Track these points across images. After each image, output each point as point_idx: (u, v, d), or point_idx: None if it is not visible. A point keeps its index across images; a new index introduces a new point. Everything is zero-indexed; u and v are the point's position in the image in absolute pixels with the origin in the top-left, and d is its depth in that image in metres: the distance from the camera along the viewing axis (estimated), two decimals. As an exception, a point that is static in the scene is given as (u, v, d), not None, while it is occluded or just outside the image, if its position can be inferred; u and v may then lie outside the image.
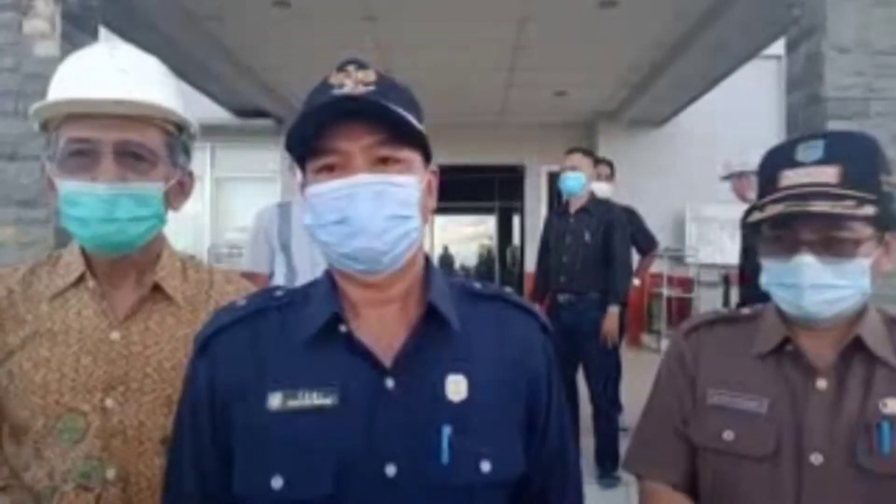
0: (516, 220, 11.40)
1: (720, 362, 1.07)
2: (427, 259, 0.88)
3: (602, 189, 4.08)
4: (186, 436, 0.82)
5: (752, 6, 4.30)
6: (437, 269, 0.88)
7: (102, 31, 3.51)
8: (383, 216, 0.76)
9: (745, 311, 1.12)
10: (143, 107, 0.97)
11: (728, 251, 4.11)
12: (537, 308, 0.93)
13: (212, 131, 7.58)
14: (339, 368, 0.78)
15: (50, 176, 0.98)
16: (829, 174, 0.94)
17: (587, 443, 3.54)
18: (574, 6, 4.72)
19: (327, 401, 0.76)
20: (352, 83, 0.77)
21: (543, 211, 8.22)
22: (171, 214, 1.07)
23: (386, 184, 0.76)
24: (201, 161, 8.33)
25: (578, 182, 3.72)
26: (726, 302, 6.56)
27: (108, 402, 0.98)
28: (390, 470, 0.75)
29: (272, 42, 5.53)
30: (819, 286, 0.94)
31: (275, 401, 0.76)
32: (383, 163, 0.77)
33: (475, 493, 0.78)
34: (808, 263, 0.94)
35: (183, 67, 5.42)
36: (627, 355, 4.33)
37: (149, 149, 0.98)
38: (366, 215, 0.75)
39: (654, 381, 1.16)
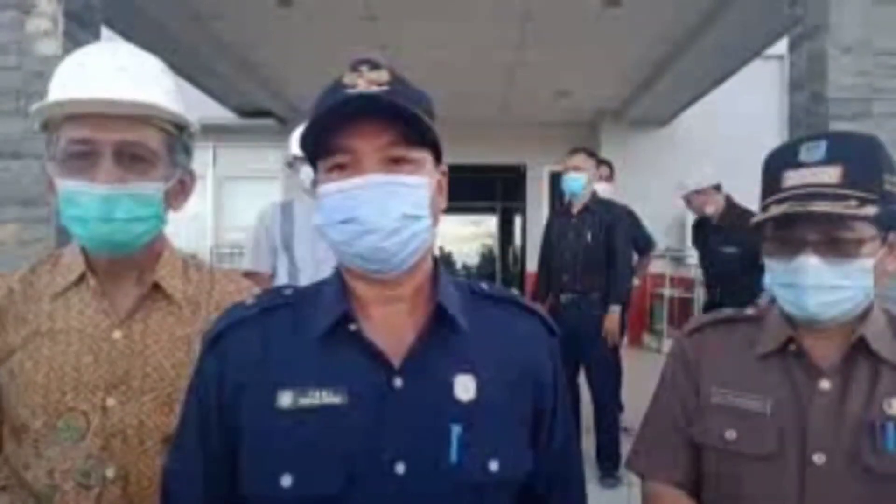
0: (518, 220, 11.39)
1: (723, 362, 1.07)
2: (435, 259, 0.88)
3: (601, 189, 4.08)
4: (193, 434, 0.82)
5: (755, 5, 4.30)
6: (445, 270, 0.88)
7: (104, 30, 3.51)
8: (394, 216, 0.76)
9: (749, 311, 1.12)
10: (143, 107, 0.97)
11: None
12: (543, 310, 0.93)
13: (214, 131, 7.60)
14: (348, 367, 0.78)
15: (50, 176, 0.98)
16: (831, 174, 0.94)
17: (588, 443, 3.54)
18: (576, 5, 4.72)
19: (336, 399, 0.76)
20: (365, 83, 0.77)
21: (545, 211, 8.22)
22: (172, 214, 1.07)
23: (397, 184, 0.77)
24: (203, 161, 8.34)
25: (580, 182, 3.72)
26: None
27: (109, 402, 0.98)
28: (399, 468, 0.75)
29: (274, 41, 5.53)
30: (822, 287, 0.94)
31: (284, 399, 0.77)
32: (395, 163, 0.77)
33: (484, 491, 0.78)
34: (810, 264, 0.94)
35: (185, 66, 5.43)
36: (629, 355, 4.33)
37: (148, 149, 0.98)
38: (377, 215, 0.75)
39: (658, 382, 1.16)
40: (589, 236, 3.71)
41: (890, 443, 0.92)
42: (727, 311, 1.14)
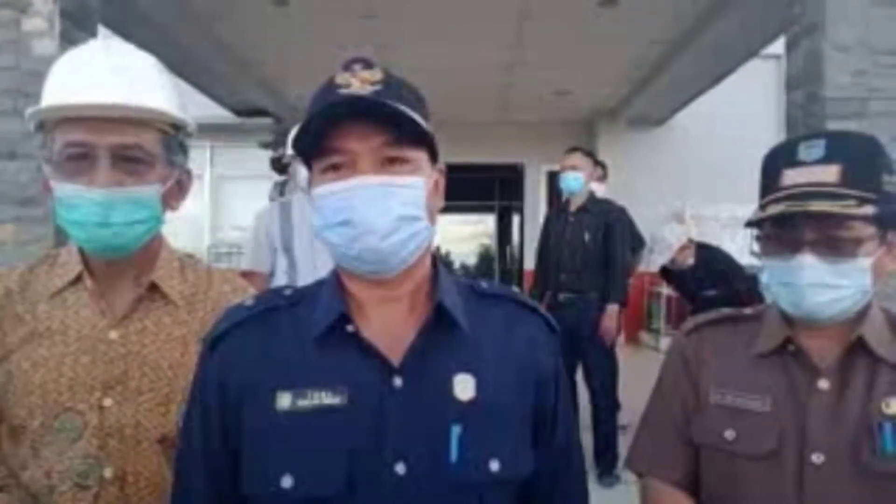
0: (516, 219, 11.40)
1: (722, 362, 1.07)
2: (435, 258, 0.88)
3: (599, 189, 4.10)
4: (196, 434, 0.82)
5: (752, 5, 4.30)
6: (445, 269, 0.88)
7: (101, 29, 3.50)
8: (390, 217, 0.76)
9: (748, 310, 1.11)
10: (139, 111, 0.96)
11: (728, 251, 4.26)
12: (544, 308, 0.93)
13: (211, 130, 7.58)
14: (347, 368, 0.78)
15: (46, 177, 0.98)
16: (829, 173, 0.94)
17: (586, 441, 3.54)
18: (574, 5, 4.72)
19: (336, 400, 0.76)
20: (358, 83, 0.77)
21: (543, 210, 8.22)
22: (169, 214, 1.06)
23: (392, 185, 0.76)
24: (200, 160, 8.33)
25: (578, 182, 3.73)
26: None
27: (107, 402, 0.98)
28: (400, 468, 0.75)
29: (271, 40, 5.53)
30: (819, 286, 0.94)
31: (284, 400, 0.77)
32: (390, 163, 0.77)
33: (484, 491, 0.78)
34: (808, 263, 0.94)
35: (181, 66, 5.42)
36: (626, 354, 4.34)
37: (145, 150, 0.97)
38: (371, 216, 0.75)
39: (656, 381, 1.16)
40: (586, 235, 3.71)
41: (888, 442, 0.92)
42: (726, 311, 1.14)
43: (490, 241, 14.09)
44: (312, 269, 2.38)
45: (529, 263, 6.92)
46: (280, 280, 2.55)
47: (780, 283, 0.98)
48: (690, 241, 4.08)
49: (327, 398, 0.76)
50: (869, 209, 0.92)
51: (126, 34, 4.34)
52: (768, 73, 7.75)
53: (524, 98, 7.39)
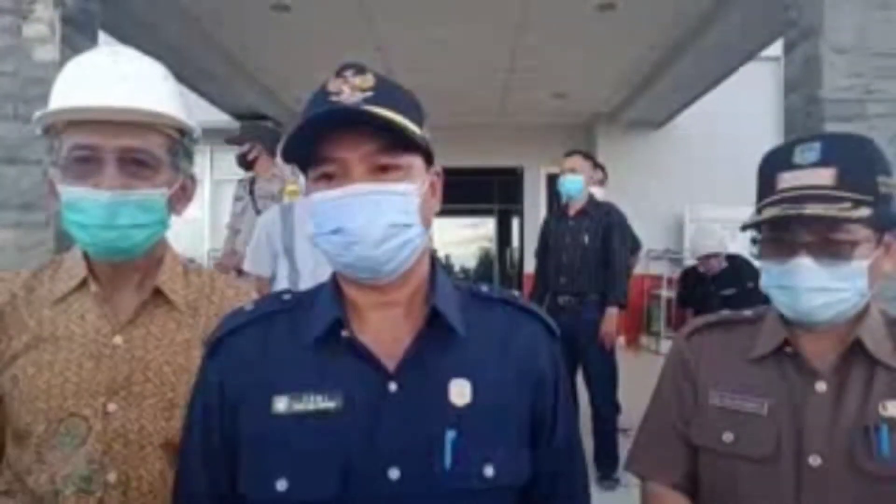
0: (515, 222, 11.39)
1: (721, 364, 1.07)
2: (433, 262, 0.88)
3: (597, 193, 4.11)
4: (197, 436, 0.83)
5: (750, 8, 4.32)
6: (444, 272, 0.88)
7: (102, 35, 3.51)
8: (382, 225, 0.76)
9: (747, 313, 1.11)
10: (147, 114, 0.97)
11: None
12: (543, 311, 0.93)
13: (211, 134, 7.55)
14: (343, 372, 0.78)
15: (52, 181, 0.99)
16: (824, 176, 0.95)
17: (586, 444, 3.53)
18: (572, 8, 4.73)
19: (331, 404, 0.77)
20: (349, 90, 0.77)
21: (542, 213, 8.23)
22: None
23: (384, 192, 0.76)
24: (200, 164, 8.32)
25: (577, 185, 3.73)
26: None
27: (111, 407, 0.98)
28: (394, 474, 0.75)
29: (271, 45, 5.54)
30: (816, 289, 0.94)
31: (280, 404, 0.77)
32: (382, 170, 0.77)
33: (479, 497, 0.78)
34: (804, 266, 0.94)
35: (182, 71, 5.43)
36: (626, 357, 4.34)
37: (152, 155, 0.98)
38: (363, 225, 0.75)
39: (656, 384, 1.16)
40: (586, 238, 3.72)
41: (884, 445, 0.92)
42: (725, 313, 1.15)
43: (490, 244, 14.08)
44: (314, 272, 2.39)
45: (529, 266, 6.93)
46: (282, 284, 2.56)
47: (777, 286, 0.99)
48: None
49: (322, 402, 0.77)
50: (864, 211, 0.92)
51: (126, 40, 4.35)
52: (767, 76, 7.76)
53: (523, 101, 7.40)
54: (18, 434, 0.98)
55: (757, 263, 1.06)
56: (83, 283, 1.03)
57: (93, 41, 3.18)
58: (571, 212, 3.82)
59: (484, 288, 0.91)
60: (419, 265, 0.84)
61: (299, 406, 0.77)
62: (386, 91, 0.78)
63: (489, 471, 0.78)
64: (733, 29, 4.79)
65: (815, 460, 0.95)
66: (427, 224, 0.82)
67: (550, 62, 6.00)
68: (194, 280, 1.11)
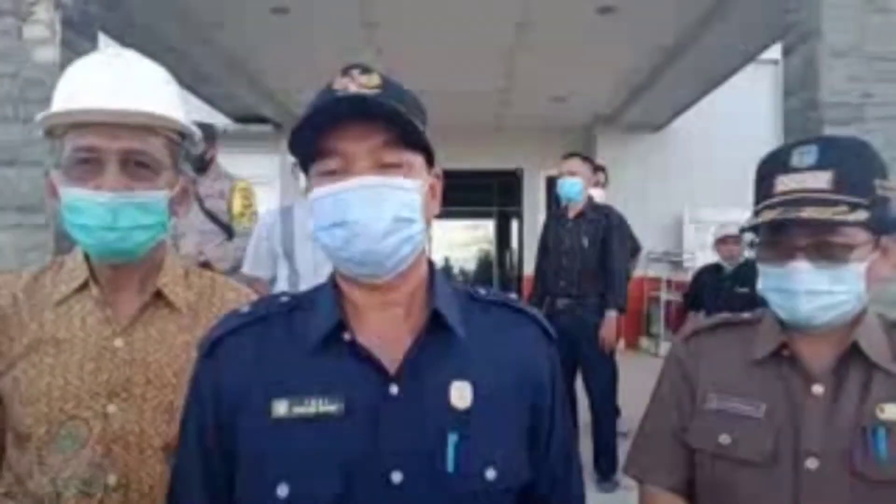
0: (515, 224, 11.40)
1: (719, 367, 1.07)
2: (431, 264, 0.88)
3: (596, 195, 4.11)
4: (192, 440, 0.83)
5: (749, 11, 4.33)
6: (442, 275, 0.88)
7: (102, 38, 3.52)
8: (386, 219, 0.75)
9: (746, 315, 1.12)
10: (148, 117, 0.98)
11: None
12: (541, 314, 0.93)
13: (210, 136, 7.58)
14: (343, 375, 0.78)
15: (53, 182, 0.99)
16: (822, 179, 0.95)
17: (585, 447, 3.54)
18: (572, 12, 4.74)
19: (332, 408, 0.76)
20: (356, 87, 0.77)
21: (542, 215, 8.23)
22: (170, 220, 1.07)
23: (388, 186, 0.76)
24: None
25: (576, 187, 3.73)
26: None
27: (111, 409, 0.98)
28: (396, 477, 0.75)
29: (271, 48, 5.54)
30: (813, 292, 0.95)
31: (280, 408, 0.76)
32: (386, 166, 0.77)
33: (480, 500, 0.78)
34: (802, 269, 0.94)
35: (182, 73, 5.43)
36: (626, 359, 4.34)
37: (153, 157, 0.99)
38: (367, 218, 0.75)
39: (655, 385, 1.16)
40: (585, 241, 3.72)
41: (881, 448, 0.92)
42: (724, 316, 1.15)
43: (489, 247, 14.09)
44: (314, 274, 2.39)
45: (528, 269, 6.93)
46: (281, 285, 2.56)
47: (775, 289, 0.99)
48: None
49: (323, 406, 0.76)
50: (861, 215, 0.92)
51: (126, 42, 4.36)
52: (766, 78, 7.77)
53: (523, 104, 7.41)
54: (19, 436, 0.98)
55: None
56: (84, 286, 1.03)
57: (93, 43, 3.19)
58: (570, 214, 3.82)
59: (482, 290, 0.91)
60: (418, 265, 0.84)
61: (300, 410, 0.76)
62: (391, 90, 0.78)
63: (491, 473, 0.78)
64: (732, 32, 4.79)
65: (812, 463, 0.95)
66: (428, 224, 0.82)
67: (550, 65, 6.01)
68: (195, 282, 1.11)
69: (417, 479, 0.75)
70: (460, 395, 0.79)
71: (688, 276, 7.54)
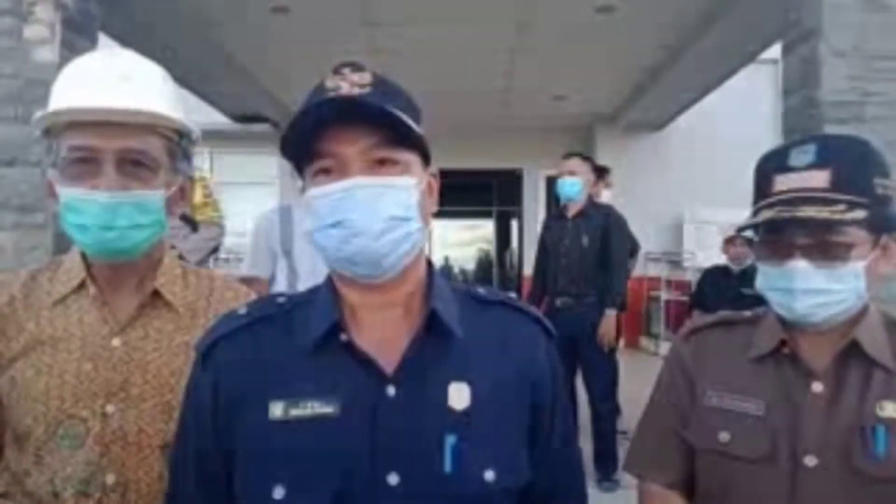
0: (514, 223, 11.40)
1: (719, 364, 1.07)
2: (430, 264, 0.87)
3: (606, 196, 4.13)
4: (190, 441, 0.83)
5: (750, 10, 4.32)
6: (440, 275, 0.87)
7: (102, 37, 3.52)
8: (381, 218, 0.75)
9: (746, 313, 1.12)
10: (145, 115, 0.97)
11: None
12: (541, 313, 0.93)
13: (210, 136, 7.58)
14: (340, 376, 0.77)
15: (51, 182, 0.99)
16: (820, 178, 0.95)
17: (585, 446, 3.54)
18: (572, 11, 4.74)
19: (329, 409, 0.76)
20: (347, 86, 0.76)
21: (541, 215, 8.23)
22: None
23: (383, 185, 0.76)
24: (200, 166, 8.33)
25: (575, 187, 3.73)
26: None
27: (109, 409, 0.98)
28: (392, 479, 0.74)
29: (271, 47, 5.54)
30: (812, 291, 0.95)
31: (276, 410, 0.76)
32: (381, 165, 0.76)
33: (479, 502, 0.77)
34: (800, 268, 0.94)
35: (182, 73, 5.42)
36: (626, 358, 4.34)
37: (150, 156, 0.98)
38: (363, 218, 0.75)
39: (655, 383, 1.16)
40: (585, 240, 3.72)
41: (880, 446, 0.92)
42: (724, 314, 1.15)
43: (489, 246, 14.09)
44: (313, 274, 2.38)
45: (528, 268, 6.93)
46: (280, 285, 2.56)
47: (774, 288, 0.99)
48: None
49: (320, 407, 0.76)
50: (860, 213, 0.92)
51: (126, 42, 4.36)
52: (766, 77, 7.77)
53: (523, 103, 7.41)
54: (17, 436, 0.98)
55: None
56: (82, 285, 1.03)
57: (93, 43, 3.19)
58: (570, 214, 3.82)
59: (481, 290, 0.91)
60: (416, 265, 0.83)
61: (296, 411, 0.76)
62: (383, 88, 0.78)
63: (489, 475, 0.77)
64: (733, 31, 4.79)
65: (811, 460, 0.95)
66: (425, 222, 0.82)
67: (550, 64, 6.01)
68: (193, 282, 1.11)
69: (414, 481, 0.74)
70: (458, 396, 0.78)
71: (687, 276, 7.59)
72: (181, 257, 3.22)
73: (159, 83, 1.03)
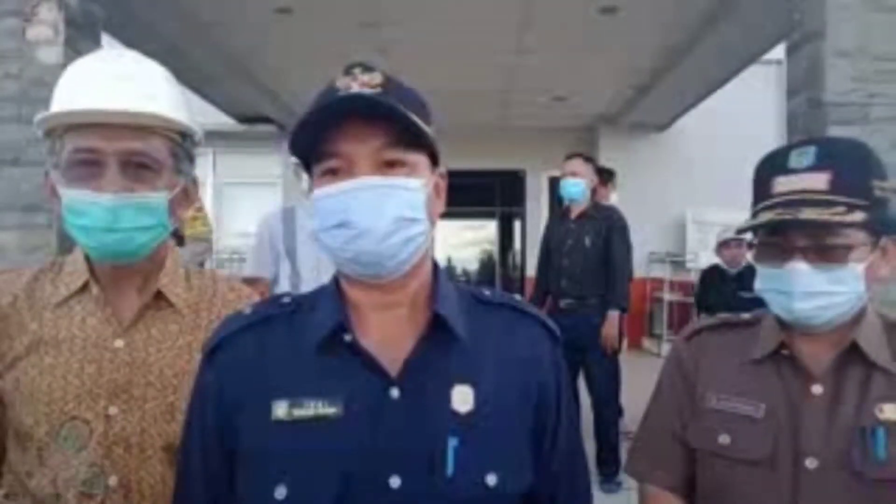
0: (517, 224, 11.40)
1: (719, 367, 1.07)
2: (436, 265, 0.87)
3: (613, 199, 4.13)
4: (196, 441, 0.83)
5: (753, 11, 4.32)
6: (446, 276, 0.87)
7: (105, 38, 3.52)
8: (388, 219, 0.75)
9: (746, 316, 1.12)
10: (148, 117, 0.97)
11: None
12: (546, 316, 0.92)
13: (213, 137, 7.61)
14: (344, 377, 0.77)
15: (53, 183, 0.99)
16: (819, 181, 0.95)
17: (588, 448, 3.53)
18: (574, 12, 4.74)
19: (332, 410, 0.75)
20: (358, 86, 0.76)
21: (544, 215, 8.22)
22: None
23: (391, 186, 0.75)
24: (203, 167, 8.34)
25: (578, 188, 3.73)
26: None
27: (112, 410, 0.98)
28: (394, 482, 0.74)
29: (274, 48, 5.55)
30: (811, 293, 0.95)
31: (280, 410, 0.76)
32: (389, 165, 0.76)
33: None
34: (800, 270, 0.94)
35: (185, 73, 5.41)
36: (629, 360, 4.34)
37: (153, 158, 0.98)
38: (370, 218, 0.74)
39: (655, 385, 1.16)
40: (588, 241, 3.71)
41: (880, 448, 0.92)
42: (724, 316, 1.15)
43: (491, 247, 14.09)
44: (316, 275, 2.39)
45: (531, 269, 6.92)
46: (283, 286, 2.56)
47: (773, 290, 0.99)
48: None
49: (322, 408, 0.75)
50: (859, 216, 0.92)
51: (130, 43, 4.37)
52: (770, 78, 7.75)
53: (526, 104, 7.40)
54: (19, 437, 0.98)
55: None
56: (85, 286, 1.03)
57: (96, 43, 3.19)
58: (573, 215, 3.82)
59: (486, 292, 0.90)
60: (422, 266, 0.83)
61: (299, 412, 0.76)
62: (394, 88, 0.78)
63: (492, 479, 0.77)
64: (736, 31, 4.78)
65: (811, 463, 0.95)
66: (432, 223, 0.81)
67: (552, 65, 6.00)
68: (196, 283, 1.11)
69: (416, 484, 0.74)
70: (462, 398, 0.78)
71: (690, 277, 7.57)
72: None
73: (162, 84, 1.03)
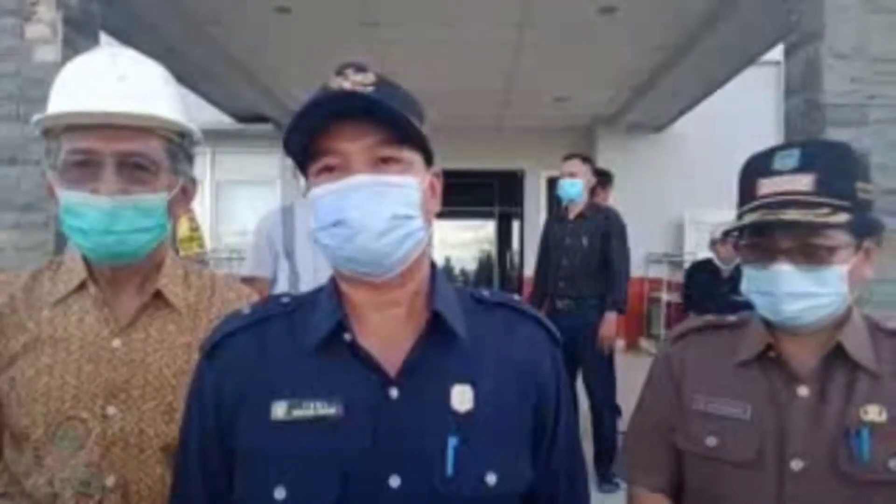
0: (515, 224, 11.39)
1: (706, 368, 1.08)
2: (434, 265, 0.87)
3: (611, 200, 4.14)
4: (194, 440, 0.82)
5: (752, 12, 4.32)
6: (444, 276, 0.87)
7: (103, 37, 3.52)
8: (384, 216, 0.75)
9: (732, 317, 1.12)
10: (146, 119, 0.97)
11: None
12: (545, 316, 0.93)
13: (212, 136, 7.60)
14: (343, 377, 0.77)
15: (51, 183, 0.98)
16: (803, 182, 0.96)
17: (586, 448, 3.53)
18: (573, 12, 4.74)
19: (331, 410, 0.75)
20: (351, 85, 0.76)
21: (543, 216, 8.22)
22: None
23: (386, 184, 0.75)
24: (201, 166, 8.33)
25: (576, 188, 3.73)
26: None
27: (110, 410, 0.98)
28: (394, 481, 0.74)
29: (273, 47, 5.54)
30: (796, 294, 0.95)
31: (279, 410, 0.76)
32: (384, 163, 0.76)
33: None
34: (784, 271, 0.95)
35: (183, 72, 5.43)
36: (626, 360, 4.34)
37: (151, 159, 0.98)
38: (365, 216, 0.74)
39: (642, 388, 1.17)
40: (585, 242, 3.72)
41: (865, 450, 0.93)
42: (711, 318, 1.15)
43: (490, 247, 14.09)
44: (314, 274, 2.38)
45: (529, 269, 6.92)
46: (282, 285, 2.55)
47: (758, 291, 1.00)
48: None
49: (322, 408, 0.76)
50: (843, 217, 0.93)
51: (128, 41, 4.36)
52: (768, 79, 7.76)
53: (524, 104, 7.40)
54: (16, 436, 0.98)
55: None
56: (82, 285, 1.02)
57: (94, 42, 3.19)
58: (571, 215, 3.82)
59: (484, 292, 0.90)
60: (420, 265, 0.83)
61: (299, 412, 0.76)
62: (387, 88, 0.78)
63: (491, 478, 0.77)
64: (734, 32, 4.79)
65: (797, 464, 0.96)
66: (428, 222, 0.82)
67: (551, 65, 6.00)
68: (195, 282, 1.11)
69: (416, 484, 0.74)
70: (461, 398, 0.78)
71: (688, 278, 7.58)
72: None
73: (159, 84, 1.02)
